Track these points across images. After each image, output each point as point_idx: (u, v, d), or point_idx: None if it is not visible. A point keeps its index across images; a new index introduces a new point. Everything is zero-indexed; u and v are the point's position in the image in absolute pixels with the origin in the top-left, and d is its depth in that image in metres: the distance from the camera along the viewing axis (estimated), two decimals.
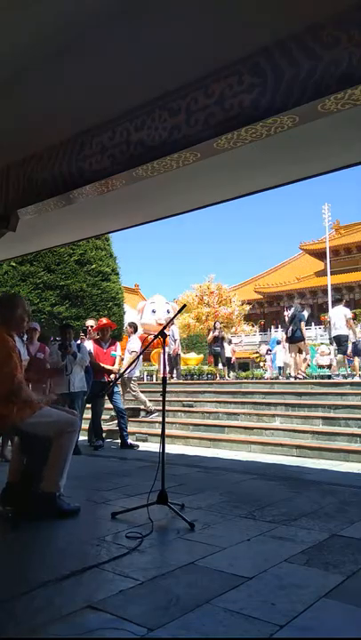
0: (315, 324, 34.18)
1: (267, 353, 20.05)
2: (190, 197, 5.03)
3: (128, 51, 3.25)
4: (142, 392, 10.38)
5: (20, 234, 4.61)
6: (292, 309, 11.09)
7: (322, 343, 13.95)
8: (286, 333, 10.86)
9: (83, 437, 6.96)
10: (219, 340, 13.90)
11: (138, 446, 6.91)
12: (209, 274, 32.61)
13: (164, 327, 3.67)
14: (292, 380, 10.38)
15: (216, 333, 14.00)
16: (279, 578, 2.16)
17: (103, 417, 7.46)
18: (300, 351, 10.77)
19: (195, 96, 3.08)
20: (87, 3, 3.05)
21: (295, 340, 10.60)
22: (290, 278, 43.67)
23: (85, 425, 7.37)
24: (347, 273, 39.64)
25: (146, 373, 15.76)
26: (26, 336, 6.56)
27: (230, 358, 16.23)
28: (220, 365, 14.05)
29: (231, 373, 16.76)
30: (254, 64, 2.81)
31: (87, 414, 7.13)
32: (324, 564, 2.33)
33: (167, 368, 11.92)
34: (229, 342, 16.43)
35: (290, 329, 10.56)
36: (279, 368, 17.26)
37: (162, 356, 3.75)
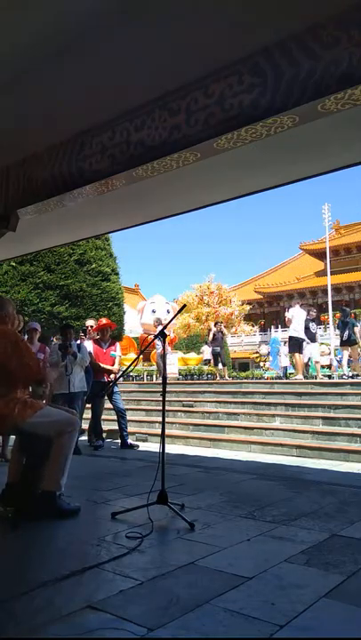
0: (315, 324, 34.16)
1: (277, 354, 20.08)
2: (190, 197, 5.03)
3: (128, 51, 3.25)
4: (142, 392, 10.41)
5: (20, 234, 4.61)
6: (343, 315, 11.79)
7: (322, 343, 13.99)
8: (341, 337, 11.64)
9: (83, 437, 6.96)
10: (218, 340, 13.90)
11: (138, 446, 6.91)
12: (209, 274, 32.61)
13: (164, 327, 3.67)
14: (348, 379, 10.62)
15: (215, 330, 14.04)
16: (279, 578, 2.16)
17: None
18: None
19: (195, 96, 3.08)
20: (87, 3, 3.05)
21: (350, 342, 11.47)
22: (290, 278, 43.66)
23: (85, 425, 7.37)
24: (347, 273, 39.65)
25: (146, 373, 15.76)
26: (26, 336, 6.56)
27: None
28: (220, 365, 14.06)
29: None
30: (254, 64, 2.81)
31: (87, 414, 7.13)
32: (324, 564, 2.33)
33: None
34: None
35: (346, 332, 11.37)
36: (285, 368, 17.28)
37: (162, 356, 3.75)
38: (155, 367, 15.41)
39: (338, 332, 11.67)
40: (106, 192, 3.96)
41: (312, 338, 11.27)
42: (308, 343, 11.11)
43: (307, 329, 11.12)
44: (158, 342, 12.62)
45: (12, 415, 3.13)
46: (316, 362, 11.67)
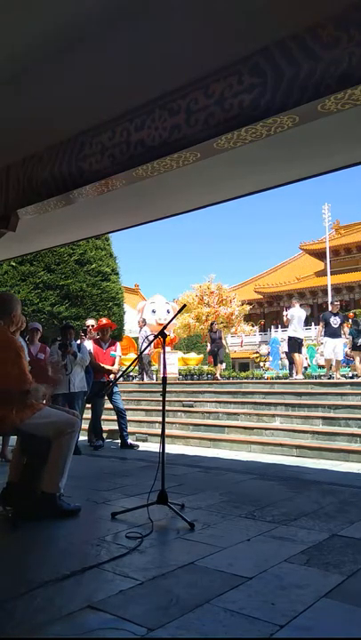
0: (315, 324, 34.19)
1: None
2: (190, 197, 5.03)
3: (128, 51, 3.24)
4: (142, 392, 10.40)
5: (20, 234, 4.61)
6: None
7: (322, 343, 14.06)
8: (356, 343, 11.51)
9: (83, 437, 6.96)
10: (217, 340, 13.93)
11: (138, 446, 6.91)
12: (209, 274, 32.59)
13: (164, 327, 3.66)
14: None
15: (214, 331, 14.10)
16: (279, 578, 2.16)
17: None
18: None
19: (195, 96, 3.08)
20: (87, 3, 3.05)
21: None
22: (290, 278, 43.67)
23: (85, 425, 7.37)
24: (347, 273, 39.66)
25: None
26: (27, 337, 6.56)
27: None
28: (219, 365, 14.10)
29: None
30: (254, 64, 2.81)
31: (87, 414, 7.13)
32: (325, 564, 2.33)
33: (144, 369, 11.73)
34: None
35: (359, 340, 11.21)
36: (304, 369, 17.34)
37: (162, 355, 3.75)
38: (155, 367, 15.40)
39: (350, 337, 11.76)
40: (106, 192, 3.95)
41: (334, 333, 10.33)
42: (322, 343, 10.68)
43: (327, 325, 10.35)
44: (143, 344, 12.59)
45: (11, 416, 3.13)
46: (327, 361, 10.88)
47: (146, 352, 12.74)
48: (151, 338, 13.20)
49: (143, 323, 13.71)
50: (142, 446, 6.98)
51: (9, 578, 2.20)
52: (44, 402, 4.20)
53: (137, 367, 14.13)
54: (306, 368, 16.81)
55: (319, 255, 40.23)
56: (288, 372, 15.42)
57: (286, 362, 20.28)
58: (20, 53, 3.45)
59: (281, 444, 6.60)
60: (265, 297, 43.36)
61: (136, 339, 17.18)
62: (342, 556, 2.44)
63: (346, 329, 11.61)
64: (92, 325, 7.63)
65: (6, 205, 4.39)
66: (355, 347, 11.80)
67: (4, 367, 3.14)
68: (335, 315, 10.42)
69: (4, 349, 3.18)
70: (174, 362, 14.80)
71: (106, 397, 7.04)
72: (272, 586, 2.07)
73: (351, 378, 14.13)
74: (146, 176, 3.62)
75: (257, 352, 28.34)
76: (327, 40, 2.55)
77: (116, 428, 7.09)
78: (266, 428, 7.38)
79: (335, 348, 10.38)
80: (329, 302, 28.20)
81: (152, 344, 4.34)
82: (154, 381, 12.61)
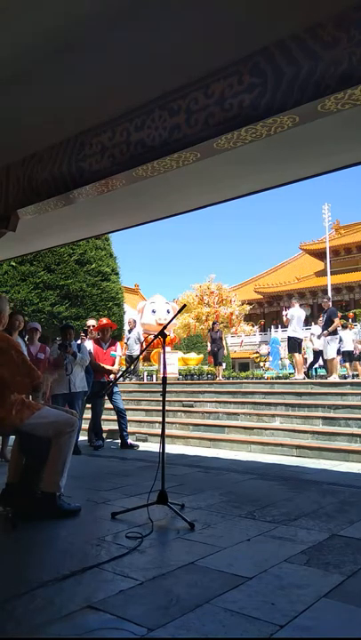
0: (314, 324, 34.15)
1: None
2: (190, 197, 5.03)
3: (128, 50, 3.25)
4: (142, 392, 10.40)
5: (20, 234, 4.62)
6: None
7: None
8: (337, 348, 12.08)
9: (83, 437, 6.97)
10: (217, 340, 13.94)
11: (138, 446, 6.91)
12: (209, 274, 32.60)
13: (164, 327, 3.66)
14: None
15: (215, 331, 14.12)
16: (279, 578, 2.16)
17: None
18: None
19: (195, 96, 3.08)
20: (87, 3, 3.05)
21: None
22: (290, 278, 43.66)
23: (85, 425, 7.37)
24: (347, 273, 39.66)
25: (146, 373, 15.75)
26: (27, 337, 6.56)
27: None
28: (219, 366, 14.10)
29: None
30: (254, 64, 2.81)
31: (87, 414, 7.13)
32: (325, 564, 2.33)
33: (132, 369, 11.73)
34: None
35: (341, 344, 11.91)
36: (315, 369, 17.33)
37: (162, 355, 3.74)
38: (155, 367, 15.41)
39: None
40: (106, 192, 3.96)
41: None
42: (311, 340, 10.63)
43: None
44: (133, 344, 12.52)
45: (11, 417, 3.13)
46: (326, 362, 10.55)
47: (137, 354, 12.62)
48: (142, 338, 13.19)
49: (134, 323, 13.41)
50: (142, 446, 6.98)
51: (9, 578, 2.20)
52: (43, 402, 4.19)
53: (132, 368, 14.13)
54: (316, 369, 16.79)
55: (319, 255, 40.22)
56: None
57: (287, 362, 20.24)
58: (20, 53, 3.45)
59: (281, 444, 6.59)
60: (265, 297, 43.35)
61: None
62: (342, 556, 2.44)
63: (338, 324, 11.05)
64: (93, 325, 7.63)
65: (6, 205, 4.39)
66: (337, 352, 12.19)
67: (11, 370, 3.15)
68: (323, 312, 10.35)
69: (5, 351, 3.18)
70: (174, 362, 14.82)
71: (106, 397, 7.05)
72: (272, 586, 2.07)
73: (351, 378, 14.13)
74: (146, 176, 3.63)
75: (257, 352, 28.33)
76: (327, 40, 2.55)
77: (116, 427, 7.09)
78: (266, 428, 7.38)
79: (322, 346, 10.32)
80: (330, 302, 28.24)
81: (149, 344, 4.36)
82: (132, 382, 12.57)
